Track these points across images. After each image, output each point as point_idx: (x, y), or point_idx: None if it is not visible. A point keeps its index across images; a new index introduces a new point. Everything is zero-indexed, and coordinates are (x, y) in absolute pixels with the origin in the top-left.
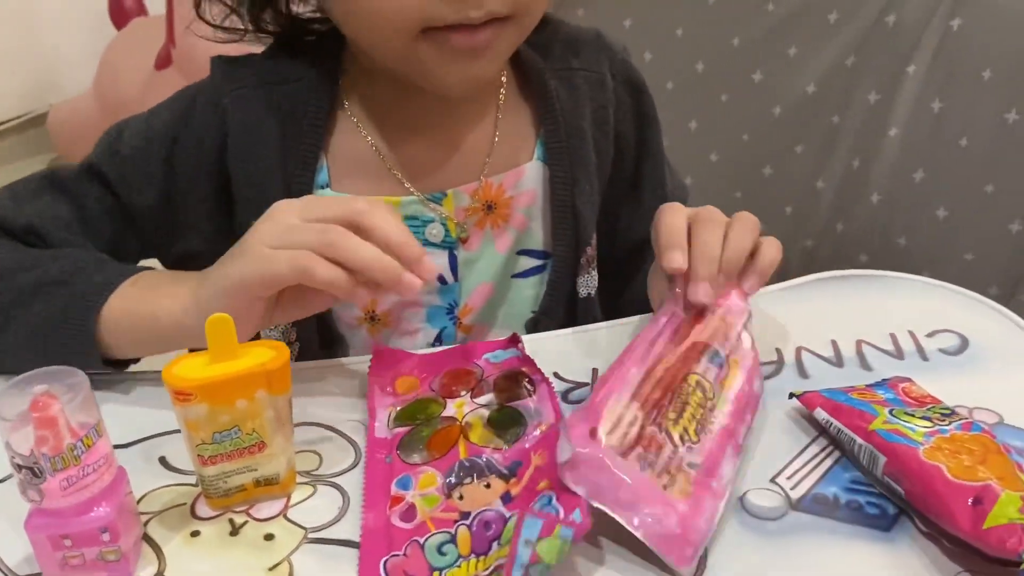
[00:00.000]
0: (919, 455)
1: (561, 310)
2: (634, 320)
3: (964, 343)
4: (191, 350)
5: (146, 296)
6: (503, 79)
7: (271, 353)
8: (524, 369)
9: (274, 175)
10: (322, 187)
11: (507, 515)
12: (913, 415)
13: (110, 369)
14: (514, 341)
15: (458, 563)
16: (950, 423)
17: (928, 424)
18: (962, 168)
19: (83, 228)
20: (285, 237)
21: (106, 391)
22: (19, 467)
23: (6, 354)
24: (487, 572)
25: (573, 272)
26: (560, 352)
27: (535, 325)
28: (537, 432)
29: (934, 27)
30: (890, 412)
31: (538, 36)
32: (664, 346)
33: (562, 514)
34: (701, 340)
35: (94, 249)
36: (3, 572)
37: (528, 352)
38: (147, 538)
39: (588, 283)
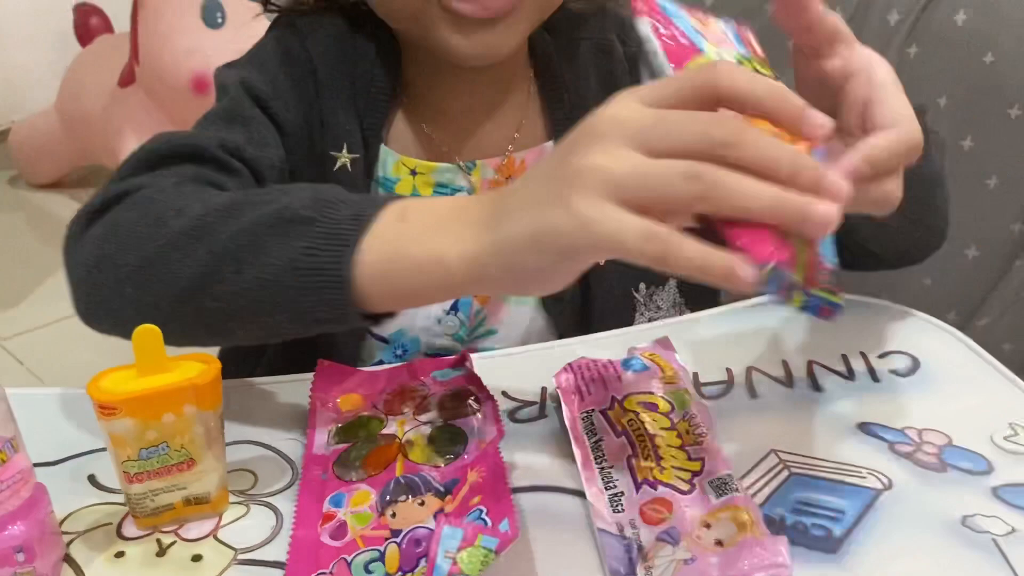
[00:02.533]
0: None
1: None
2: (589, 339)
3: (915, 364)
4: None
5: (414, 232)
6: (531, 68)
7: (200, 367)
8: (471, 387)
9: (348, 107)
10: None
11: None
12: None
13: (367, 324)
14: (463, 359)
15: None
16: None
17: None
18: None
19: (256, 151)
20: (632, 183)
21: (34, 406)
22: None
23: (237, 304)
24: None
25: None
26: (510, 370)
27: (548, 298)
28: (476, 450)
29: (891, 55)
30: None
31: (550, 17)
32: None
33: (489, 524)
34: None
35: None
36: None
37: (478, 370)
38: (69, 559)
39: None
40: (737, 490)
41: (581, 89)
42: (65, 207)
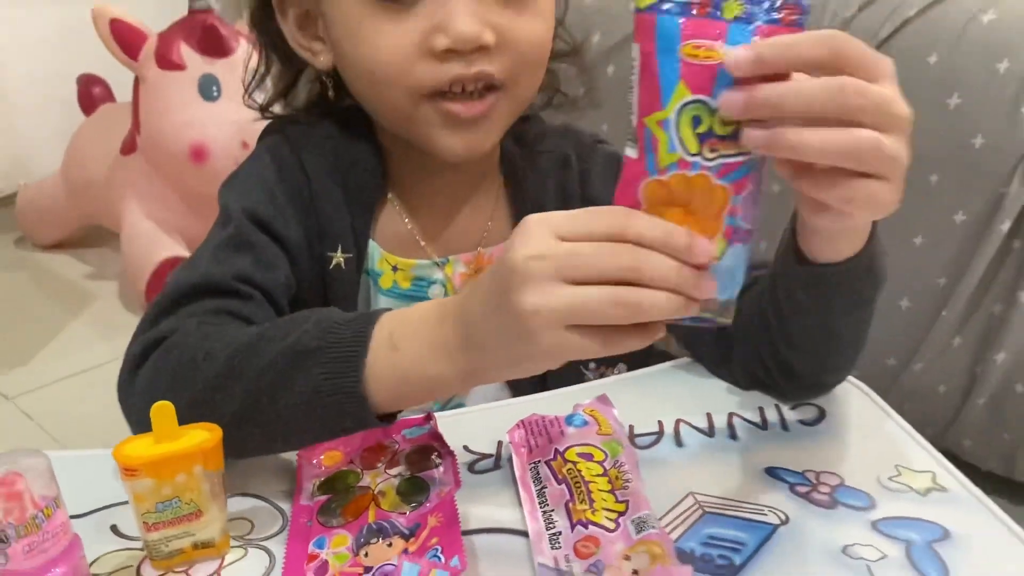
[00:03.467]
0: None
1: None
2: (539, 397)
3: (821, 414)
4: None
5: (411, 361)
6: (501, 175)
7: (206, 434)
8: (434, 444)
9: (342, 211)
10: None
11: None
12: None
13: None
14: (428, 419)
15: None
16: None
17: None
18: None
19: (265, 274)
20: (572, 311)
21: (65, 467)
22: None
23: (278, 427)
24: None
25: None
26: (471, 426)
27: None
28: (437, 499)
29: None
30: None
31: (519, 129)
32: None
33: (443, 560)
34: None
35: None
36: None
37: (443, 426)
38: None
39: None
40: (654, 527)
41: (540, 195)
42: (68, 266)
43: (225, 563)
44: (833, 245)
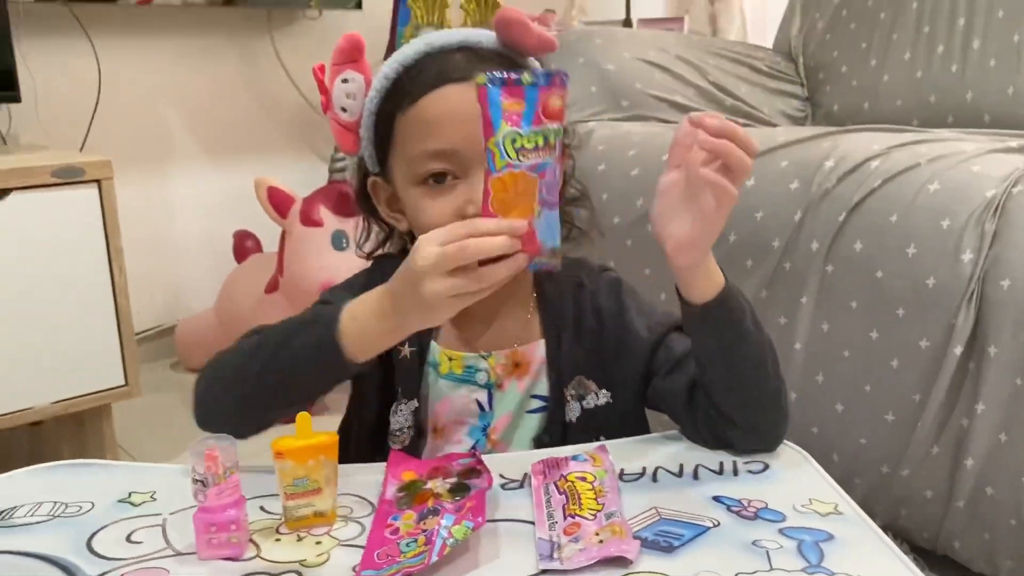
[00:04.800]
0: None
1: (559, 430)
2: (563, 448)
3: (766, 467)
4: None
5: (365, 322)
6: (534, 293)
7: (327, 437)
8: (478, 467)
9: None
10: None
11: None
12: None
13: (355, 369)
14: (474, 454)
15: (414, 548)
16: None
17: None
18: (848, 372)
19: None
20: (451, 289)
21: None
22: (195, 480)
23: (287, 373)
24: (426, 547)
25: (562, 405)
26: (506, 465)
27: (539, 443)
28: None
29: (815, 271)
30: None
31: None
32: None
33: (471, 516)
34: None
35: None
36: (176, 552)
37: (488, 460)
38: (252, 540)
39: (571, 412)
40: (618, 517)
41: (561, 307)
42: None
43: (333, 528)
44: (697, 285)
